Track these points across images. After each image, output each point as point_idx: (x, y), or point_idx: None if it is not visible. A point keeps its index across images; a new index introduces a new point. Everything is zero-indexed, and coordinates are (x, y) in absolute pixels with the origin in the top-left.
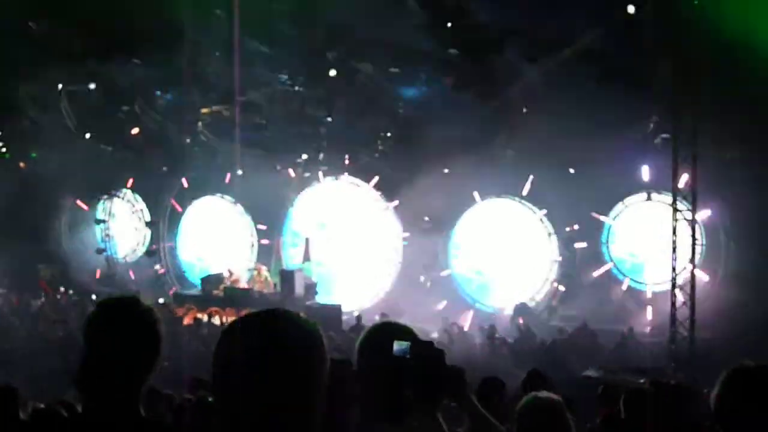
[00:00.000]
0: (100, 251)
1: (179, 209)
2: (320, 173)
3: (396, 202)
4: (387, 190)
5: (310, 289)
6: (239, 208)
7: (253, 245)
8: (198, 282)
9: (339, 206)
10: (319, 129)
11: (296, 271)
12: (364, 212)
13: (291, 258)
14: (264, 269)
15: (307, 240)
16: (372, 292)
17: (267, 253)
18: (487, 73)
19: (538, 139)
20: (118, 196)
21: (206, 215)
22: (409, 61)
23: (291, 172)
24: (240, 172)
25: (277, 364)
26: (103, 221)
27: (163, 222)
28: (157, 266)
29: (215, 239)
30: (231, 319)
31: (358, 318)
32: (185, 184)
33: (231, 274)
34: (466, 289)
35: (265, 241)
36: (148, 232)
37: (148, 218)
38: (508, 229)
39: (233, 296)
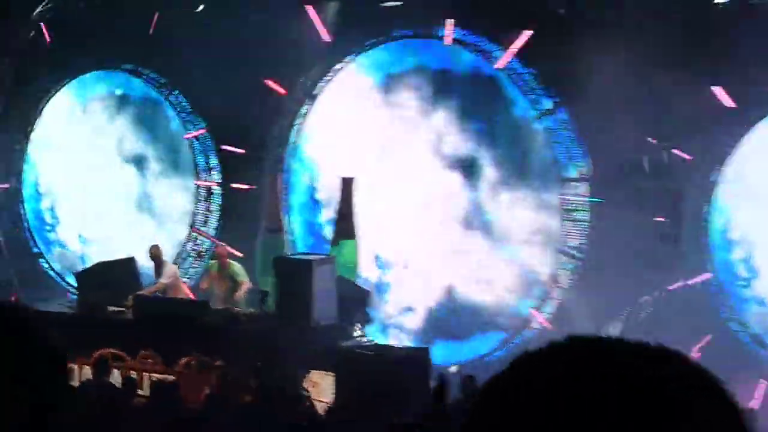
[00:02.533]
0: None
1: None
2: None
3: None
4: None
5: (358, 305)
6: (176, 101)
7: (208, 193)
8: (71, 281)
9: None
10: None
11: (319, 260)
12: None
13: (304, 229)
14: (232, 262)
15: (346, 182)
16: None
17: (243, 216)
18: None
19: None
20: None
21: (96, 115)
22: None
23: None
24: None
25: None
26: None
27: None
28: None
29: (114, 175)
30: (161, 377)
31: (468, 378)
32: (46, 34)
33: (156, 260)
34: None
35: (239, 185)
36: None
37: None
38: None
39: (158, 316)
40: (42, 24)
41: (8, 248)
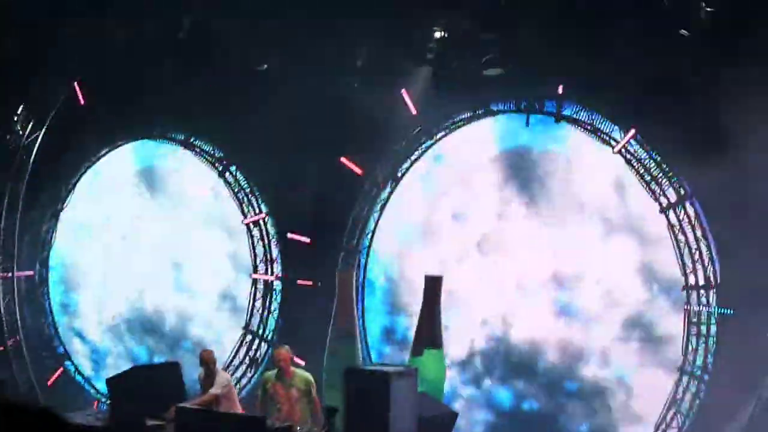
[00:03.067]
0: None
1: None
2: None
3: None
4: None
5: (442, 427)
6: (233, 179)
7: (267, 289)
8: (101, 387)
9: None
10: None
11: (398, 373)
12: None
13: (380, 335)
14: (297, 370)
15: (432, 282)
16: None
17: (307, 318)
18: None
19: None
20: None
21: (136, 194)
22: None
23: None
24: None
25: None
26: None
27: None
28: None
29: (157, 264)
30: None
31: None
32: (80, 97)
33: (207, 368)
34: None
35: (304, 282)
36: None
37: None
38: None
39: None
40: (76, 84)
41: (29, 347)
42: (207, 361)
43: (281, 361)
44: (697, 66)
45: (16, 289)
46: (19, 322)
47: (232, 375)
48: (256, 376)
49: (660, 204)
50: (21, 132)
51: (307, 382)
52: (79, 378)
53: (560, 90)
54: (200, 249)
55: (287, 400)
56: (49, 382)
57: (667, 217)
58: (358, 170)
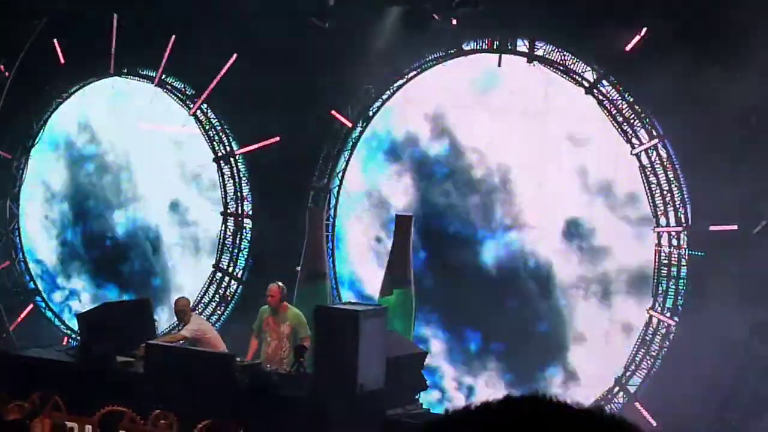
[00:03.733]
0: None
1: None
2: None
3: None
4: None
5: (411, 366)
6: (204, 117)
7: (238, 228)
8: (72, 324)
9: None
10: None
11: (368, 311)
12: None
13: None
14: (290, 306)
15: (403, 221)
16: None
17: (278, 256)
18: None
19: None
20: None
21: (107, 130)
22: None
23: None
24: None
25: None
26: None
27: None
28: None
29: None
30: None
31: None
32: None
33: (181, 316)
34: None
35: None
36: None
37: None
38: None
39: (174, 370)
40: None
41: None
42: (182, 310)
43: (270, 297)
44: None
45: None
46: None
47: (201, 313)
48: (226, 313)
49: (632, 145)
50: None
51: (298, 319)
52: (49, 314)
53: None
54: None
55: (276, 335)
56: (18, 318)
57: (638, 158)
58: (348, 123)
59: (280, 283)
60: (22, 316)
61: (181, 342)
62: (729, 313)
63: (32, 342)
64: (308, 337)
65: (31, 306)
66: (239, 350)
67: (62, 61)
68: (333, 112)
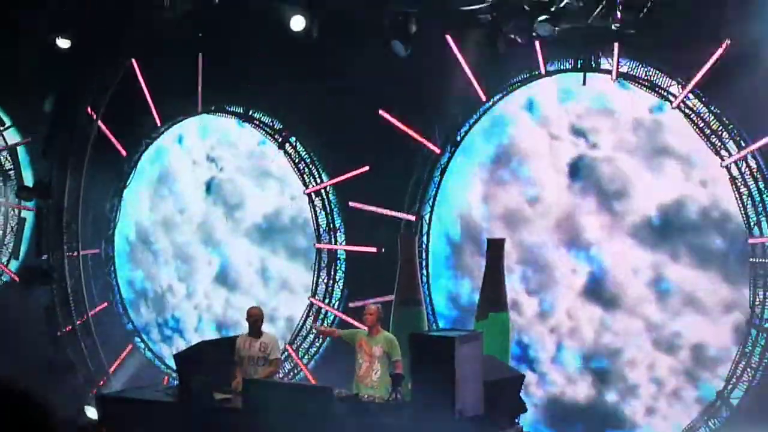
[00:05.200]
0: None
1: (122, 151)
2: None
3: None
4: None
5: (509, 390)
6: (293, 150)
7: (331, 259)
8: (168, 360)
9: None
10: None
11: (463, 337)
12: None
13: (445, 301)
14: (384, 331)
15: (495, 245)
16: None
17: (372, 285)
18: None
19: None
20: None
21: (198, 168)
22: None
23: None
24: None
25: None
26: None
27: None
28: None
29: (215, 240)
30: None
31: None
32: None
33: (255, 325)
34: None
35: (367, 249)
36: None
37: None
38: None
39: (273, 404)
40: (134, 62)
41: (98, 325)
42: (256, 317)
43: (369, 315)
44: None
45: (82, 268)
46: (86, 301)
47: (300, 346)
48: (324, 345)
49: (721, 157)
50: (83, 112)
51: (390, 342)
52: (149, 354)
53: (616, 47)
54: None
55: (368, 357)
56: (117, 361)
57: (728, 170)
58: (397, 123)
59: (379, 305)
60: (122, 356)
61: (277, 367)
62: None
63: (133, 383)
64: (400, 361)
65: (130, 347)
66: (340, 381)
67: (150, 101)
68: (381, 111)
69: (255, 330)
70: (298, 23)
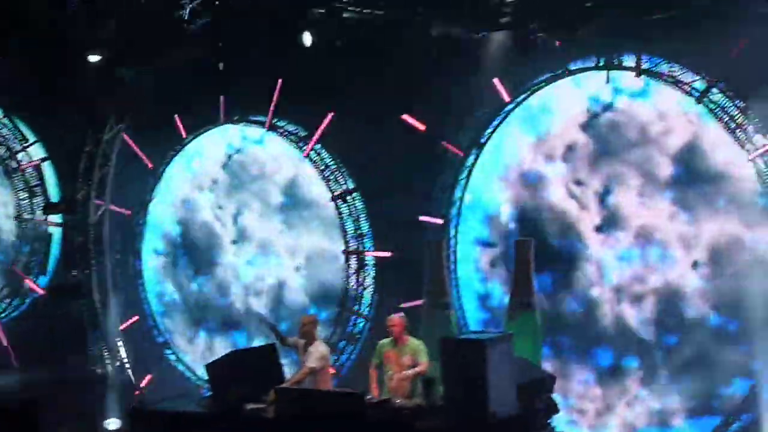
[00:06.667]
0: None
1: (149, 163)
2: None
3: None
4: None
5: (540, 390)
6: (318, 157)
7: (360, 265)
8: (201, 373)
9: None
10: None
11: (494, 339)
12: None
13: (475, 303)
14: (411, 337)
15: (522, 246)
16: None
17: (401, 290)
18: None
19: None
20: None
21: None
22: None
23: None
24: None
25: None
26: None
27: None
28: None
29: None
30: None
31: None
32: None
33: (307, 338)
34: None
35: (393, 254)
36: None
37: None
38: None
39: (306, 413)
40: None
41: (129, 340)
42: (308, 331)
43: (393, 327)
44: None
45: (110, 283)
46: (115, 314)
47: (332, 352)
48: (355, 352)
49: (747, 151)
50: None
51: (418, 348)
52: (180, 366)
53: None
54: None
55: (399, 368)
56: (148, 376)
57: (755, 163)
58: (420, 126)
59: (402, 314)
60: (146, 381)
61: (307, 374)
62: None
63: (166, 395)
64: (425, 363)
65: (161, 360)
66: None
67: (176, 116)
68: (404, 116)
69: (308, 339)
70: (307, 39)
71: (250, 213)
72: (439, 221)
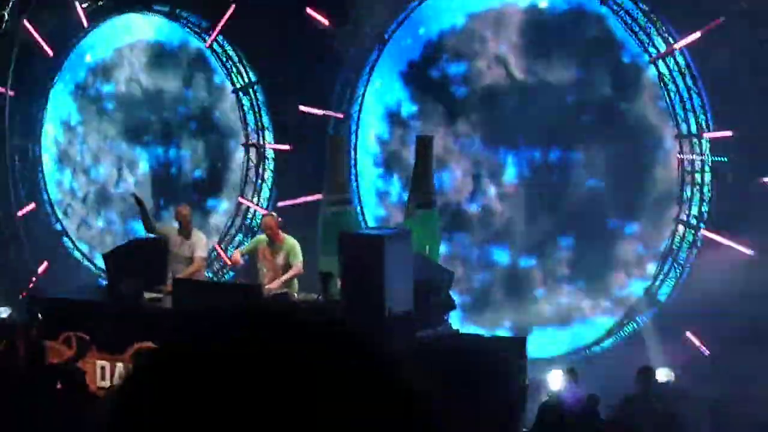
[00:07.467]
0: None
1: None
2: None
3: None
4: None
5: (438, 287)
6: (221, 49)
7: (260, 158)
8: (96, 260)
9: None
10: None
11: (392, 235)
12: None
13: (374, 199)
14: (287, 236)
15: (423, 142)
16: None
17: (301, 184)
18: None
19: None
20: None
21: (124, 68)
22: None
23: None
24: None
25: None
26: None
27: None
28: None
29: (144, 137)
30: None
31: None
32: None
33: (183, 221)
34: None
35: (280, 147)
36: None
37: None
38: None
39: (202, 304)
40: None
41: (26, 226)
42: (183, 215)
43: (267, 229)
44: None
45: (9, 168)
46: (13, 201)
47: (229, 243)
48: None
49: (649, 54)
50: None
51: (292, 249)
52: (77, 254)
53: None
54: None
55: (272, 266)
56: (45, 262)
57: (656, 66)
58: (324, 21)
59: (274, 213)
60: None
61: (202, 265)
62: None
63: (62, 284)
64: (299, 264)
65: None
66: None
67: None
68: (308, 10)
69: (185, 229)
70: None
71: None
72: (340, 116)
